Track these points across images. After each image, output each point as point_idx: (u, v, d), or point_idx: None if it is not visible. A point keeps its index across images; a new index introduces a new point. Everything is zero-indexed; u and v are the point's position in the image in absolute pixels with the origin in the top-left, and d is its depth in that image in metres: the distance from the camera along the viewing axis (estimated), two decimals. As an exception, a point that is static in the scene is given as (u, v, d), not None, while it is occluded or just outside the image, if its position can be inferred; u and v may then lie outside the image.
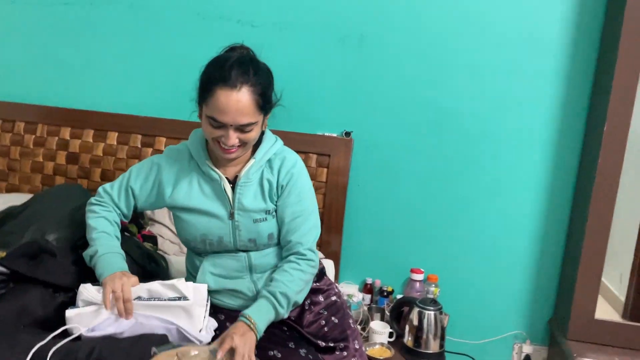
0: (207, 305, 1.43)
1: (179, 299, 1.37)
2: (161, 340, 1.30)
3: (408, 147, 2.33)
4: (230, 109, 1.39)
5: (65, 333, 1.31)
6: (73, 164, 2.40)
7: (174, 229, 1.81)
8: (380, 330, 2.09)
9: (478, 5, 2.21)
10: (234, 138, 1.42)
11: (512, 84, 2.24)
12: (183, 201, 1.53)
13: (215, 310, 1.52)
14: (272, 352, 1.43)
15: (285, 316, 1.49)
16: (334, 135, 2.32)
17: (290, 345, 1.47)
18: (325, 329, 1.59)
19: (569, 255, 2.27)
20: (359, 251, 2.41)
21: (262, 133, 1.55)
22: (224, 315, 1.54)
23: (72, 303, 1.40)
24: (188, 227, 1.54)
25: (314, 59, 2.31)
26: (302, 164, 1.60)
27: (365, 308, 2.28)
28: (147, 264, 1.73)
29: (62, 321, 1.33)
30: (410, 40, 2.26)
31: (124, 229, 1.72)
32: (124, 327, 1.35)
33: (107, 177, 2.36)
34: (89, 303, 1.37)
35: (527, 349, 2.34)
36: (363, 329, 2.19)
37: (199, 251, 1.58)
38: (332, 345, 1.55)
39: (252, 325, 1.36)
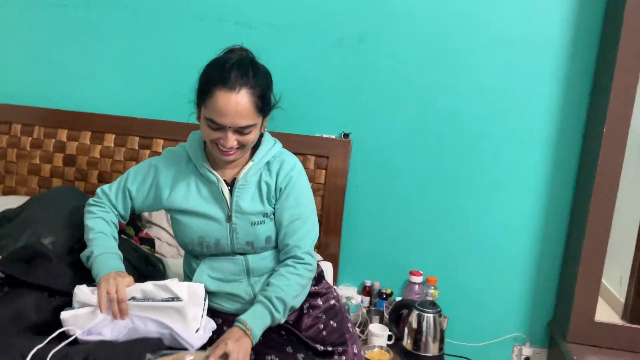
0: (204, 304, 1.42)
1: (172, 299, 1.35)
2: (156, 345, 1.29)
3: (407, 148, 2.32)
4: (229, 111, 1.38)
5: (62, 336, 1.30)
6: (70, 166, 2.39)
7: (172, 232, 1.81)
8: (379, 333, 2.09)
9: (477, 6, 2.20)
10: (232, 140, 1.42)
11: (512, 85, 2.23)
12: (180, 203, 1.53)
13: (212, 315, 1.50)
14: (269, 357, 1.42)
15: (282, 321, 1.47)
16: (333, 136, 2.31)
17: (288, 349, 1.46)
18: (324, 332, 1.57)
19: (568, 257, 2.26)
20: (358, 253, 2.40)
21: (261, 135, 1.55)
22: (221, 320, 1.53)
23: (67, 307, 1.39)
24: (185, 229, 1.53)
25: (312, 60, 2.30)
26: (301, 166, 1.59)
27: (364, 310, 2.27)
28: (144, 267, 1.72)
29: (58, 325, 1.32)
30: (409, 41, 2.25)
31: (120, 231, 1.71)
32: (120, 330, 1.34)
33: (104, 179, 2.35)
34: (84, 305, 1.36)
35: (527, 351, 2.34)
36: (362, 332, 2.18)
37: (196, 254, 1.57)
38: (330, 349, 1.53)
39: (247, 331, 1.35)
